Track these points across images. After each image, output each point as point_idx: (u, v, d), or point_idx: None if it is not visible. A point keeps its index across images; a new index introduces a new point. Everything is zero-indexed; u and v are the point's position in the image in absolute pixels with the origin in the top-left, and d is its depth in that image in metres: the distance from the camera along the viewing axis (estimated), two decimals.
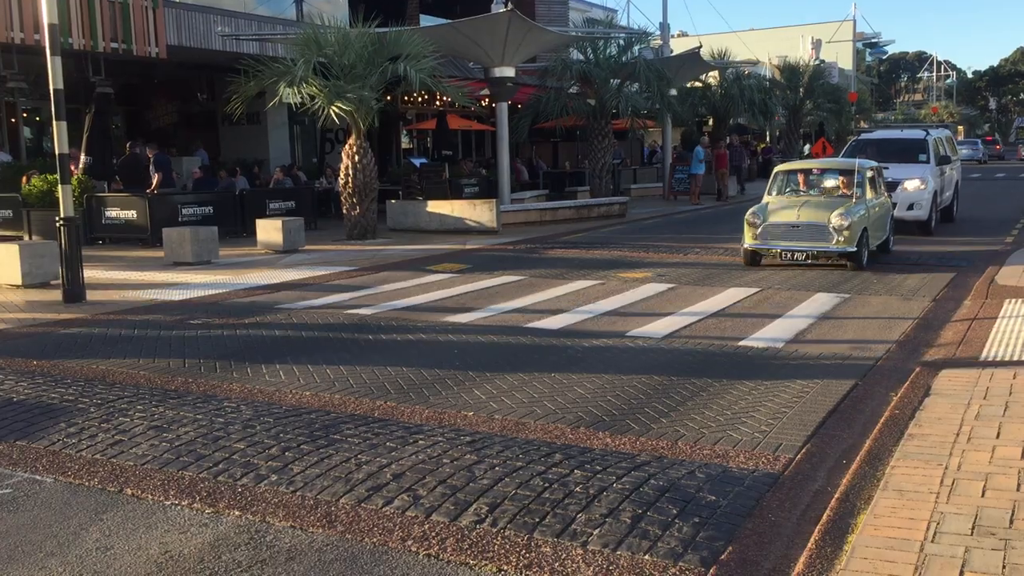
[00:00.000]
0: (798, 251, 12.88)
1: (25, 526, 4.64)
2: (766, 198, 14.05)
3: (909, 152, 18.09)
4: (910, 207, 16.93)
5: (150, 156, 18.66)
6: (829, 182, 14.17)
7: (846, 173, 13.90)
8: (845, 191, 13.68)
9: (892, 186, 16.32)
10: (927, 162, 17.70)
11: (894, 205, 15.78)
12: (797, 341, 8.64)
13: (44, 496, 5.04)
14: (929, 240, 16.58)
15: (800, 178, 14.51)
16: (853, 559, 3.94)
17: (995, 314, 9.39)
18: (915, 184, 16.97)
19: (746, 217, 13.30)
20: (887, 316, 9.72)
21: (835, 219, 12.49)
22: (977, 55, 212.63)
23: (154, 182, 18.12)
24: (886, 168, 16.05)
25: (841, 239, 12.49)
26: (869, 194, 13.71)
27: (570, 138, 34.74)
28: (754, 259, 13.44)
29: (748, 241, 13.26)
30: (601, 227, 20.57)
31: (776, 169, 15.00)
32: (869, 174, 13.98)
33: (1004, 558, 3.87)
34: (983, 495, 4.54)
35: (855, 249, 12.58)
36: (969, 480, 4.74)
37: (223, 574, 4.07)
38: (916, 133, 19.63)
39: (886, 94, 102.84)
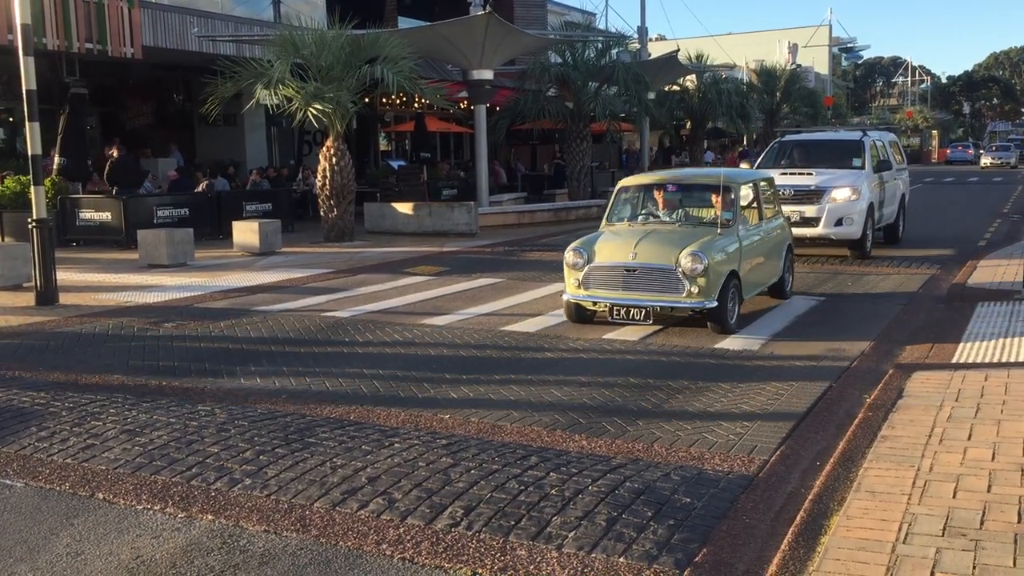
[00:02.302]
0: (635, 307, 8.88)
1: None
2: (603, 225, 9.98)
3: (841, 156, 15.25)
4: (838, 222, 13.78)
5: (115, 155, 18.49)
6: (698, 203, 10.39)
7: (718, 190, 9.75)
8: (719, 214, 9.69)
9: (818, 195, 13.85)
10: (862, 168, 14.74)
11: (816, 220, 13.60)
12: (772, 343, 8.69)
13: (14, 501, 4.98)
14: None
15: (658, 197, 10.28)
16: (826, 560, 3.96)
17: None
18: (845, 194, 13.88)
19: (565, 255, 9.35)
20: (862, 319, 9.79)
21: (685, 260, 8.65)
22: (951, 60, 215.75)
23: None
24: (809, 174, 14.11)
25: (694, 289, 8.63)
26: (752, 219, 10.19)
27: (548, 140, 34.81)
28: (580, 315, 9.44)
29: (569, 290, 9.31)
30: (579, 229, 20.50)
31: (620, 184, 10.55)
32: (746, 192, 10.19)
33: (974, 559, 3.90)
34: (954, 496, 4.58)
35: (715, 304, 8.70)
36: (940, 481, 4.78)
37: None
38: (851, 134, 16.79)
39: (862, 98, 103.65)
